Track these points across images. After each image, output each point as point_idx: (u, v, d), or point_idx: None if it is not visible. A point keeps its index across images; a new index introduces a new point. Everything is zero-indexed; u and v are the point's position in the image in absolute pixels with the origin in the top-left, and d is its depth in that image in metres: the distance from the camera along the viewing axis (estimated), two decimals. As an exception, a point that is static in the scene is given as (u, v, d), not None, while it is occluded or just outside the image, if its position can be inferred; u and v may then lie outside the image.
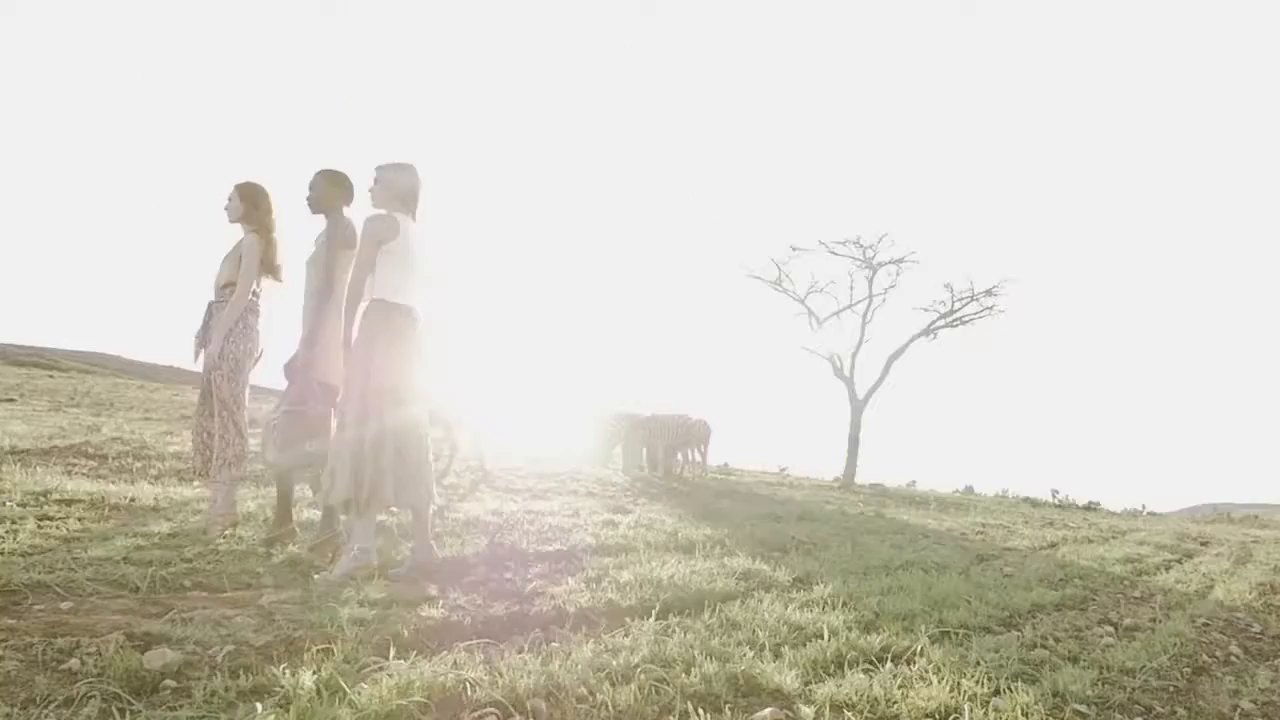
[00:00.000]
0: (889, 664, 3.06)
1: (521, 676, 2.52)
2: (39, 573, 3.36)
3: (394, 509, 4.19)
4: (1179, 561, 7.77)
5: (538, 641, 2.95)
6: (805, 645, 3.28)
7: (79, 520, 4.63)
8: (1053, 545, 8.17)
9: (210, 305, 4.85)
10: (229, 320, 4.66)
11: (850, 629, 3.58)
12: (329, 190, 4.58)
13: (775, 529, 7.04)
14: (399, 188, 4.25)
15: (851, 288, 18.79)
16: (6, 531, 4.12)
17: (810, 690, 2.73)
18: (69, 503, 5.26)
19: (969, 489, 25.71)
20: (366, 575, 3.84)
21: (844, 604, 4.07)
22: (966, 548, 7.10)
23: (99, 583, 3.37)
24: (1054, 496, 22.49)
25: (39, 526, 4.34)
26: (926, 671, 2.99)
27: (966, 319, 18.30)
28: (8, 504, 4.92)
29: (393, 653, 2.67)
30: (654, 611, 3.48)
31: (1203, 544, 10.08)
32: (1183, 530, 12.17)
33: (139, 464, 8.13)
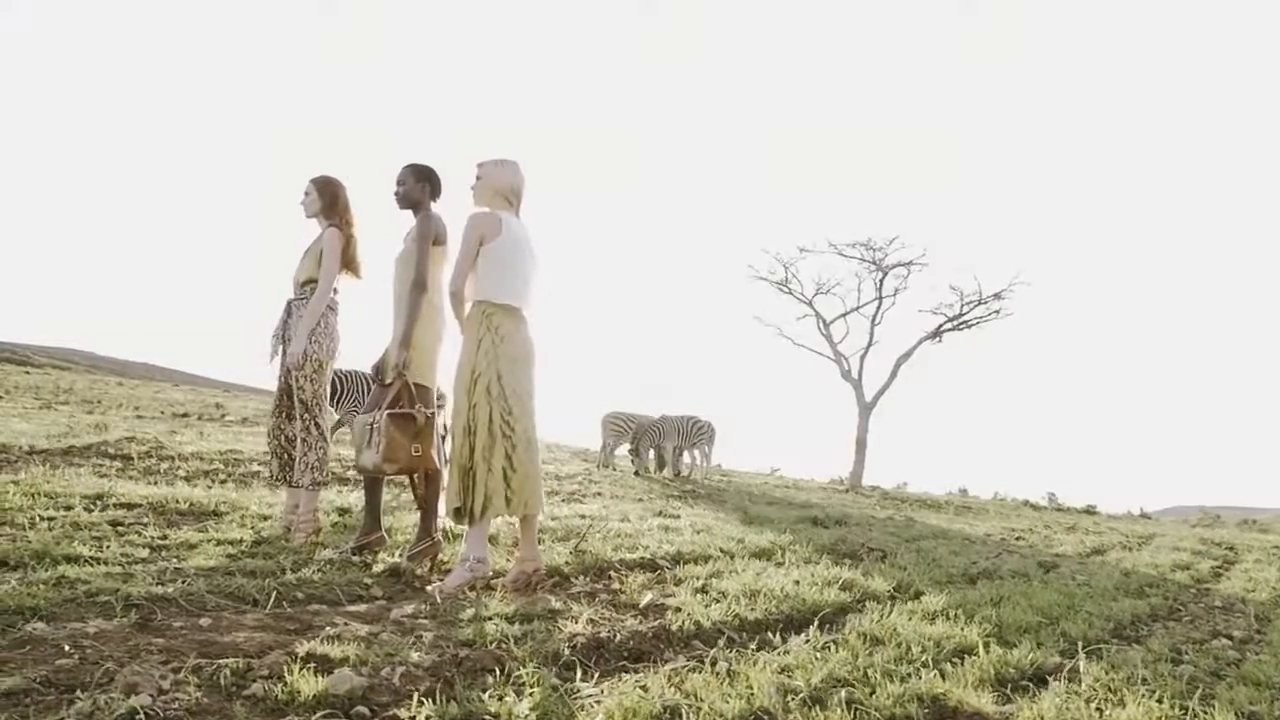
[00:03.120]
0: (1060, 682, 2.96)
1: (722, 700, 2.39)
2: (148, 584, 3.18)
3: (510, 518, 4.04)
4: (1225, 568, 7.77)
5: (713, 659, 2.82)
6: (958, 661, 3.18)
7: (155, 527, 4.43)
8: (1098, 552, 8.14)
9: (289, 303, 4.66)
10: (311, 319, 4.48)
11: (988, 643, 3.48)
12: (418, 184, 4.43)
13: (832, 534, 6.94)
14: (501, 184, 4.11)
15: (859, 290, 18.78)
16: (93, 538, 3.92)
17: (1009, 713, 2.62)
18: (129, 507, 5.05)
19: (963, 491, 25.82)
20: (483, 586, 3.69)
21: (963, 617, 3.97)
22: (1024, 555, 7.04)
23: (217, 595, 3.20)
24: (1051, 500, 22.64)
25: (118, 534, 4.14)
26: (1103, 690, 2.89)
27: (972, 322, 18.36)
28: (74, 508, 4.71)
29: (579, 674, 2.53)
30: (812, 626, 3.37)
31: (1229, 549, 10.12)
32: (1203, 535, 12.24)
33: (165, 465, 7.89)
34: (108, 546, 3.80)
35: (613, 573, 4.42)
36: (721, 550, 5.53)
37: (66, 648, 2.39)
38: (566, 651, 2.82)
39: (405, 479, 5.83)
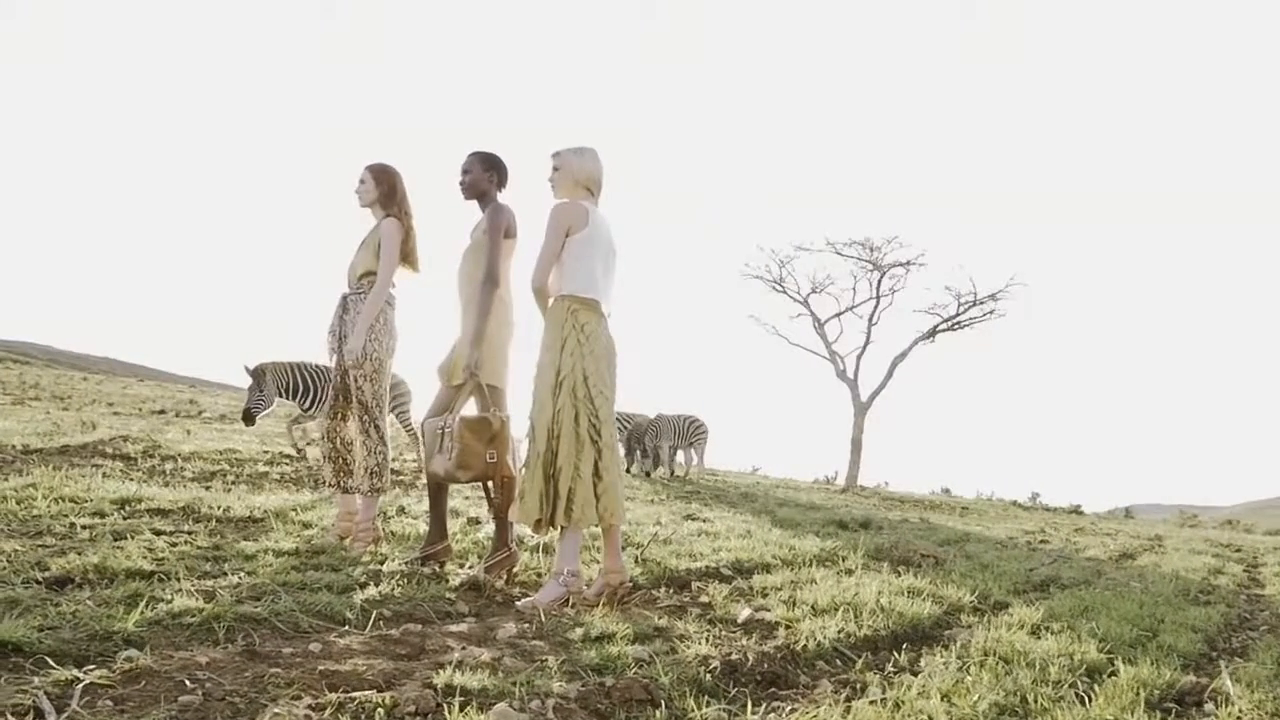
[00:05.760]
0: (1219, 705, 2.82)
1: (908, 735, 2.20)
2: (231, 603, 2.92)
3: (595, 526, 3.80)
4: (1253, 571, 7.75)
5: (862, 685, 2.63)
6: (1089, 680, 3.02)
7: (203, 536, 4.15)
8: (1127, 555, 8.08)
9: (344, 298, 4.40)
10: (370, 314, 4.22)
11: (1111, 660, 3.33)
12: (485, 174, 4.19)
13: (871, 538, 6.80)
14: (582, 174, 3.88)
15: (854, 289, 18.71)
16: (146, 550, 3.63)
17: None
18: (163, 513, 4.76)
19: (946, 491, 25.91)
20: (579, 602, 3.48)
21: (1066, 630, 3.82)
22: (1064, 559, 6.95)
23: (308, 615, 2.94)
24: (1035, 500, 22.81)
25: (171, 545, 3.85)
26: (1268, 715, 2.75)
27: (966, 323, 18.38)
28: (108, 515, 4.41)
29: (749, 707, 2.32)
30: (952, 648, 3.20)
31: (1237, 550, 10.17)
32: (1205, 536, 12.32)
33: (169, 465, 7.54)
34: (165, 559, 3.52)
35: (693, 584, 4.22)
36: (779, 558, 5.35)
37: (186, 682, 2.14)
38: (707, 678, 2.62)
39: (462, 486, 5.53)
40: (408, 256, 4.40)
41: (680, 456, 16.44)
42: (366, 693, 2.18)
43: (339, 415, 4.34)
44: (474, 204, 4.25)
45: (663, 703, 2.30)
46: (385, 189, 4.36)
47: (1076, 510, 19.90)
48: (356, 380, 4.21)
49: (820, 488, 19.04)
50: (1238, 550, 10.26)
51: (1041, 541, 8.75)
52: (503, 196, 4.26)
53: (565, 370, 3.66)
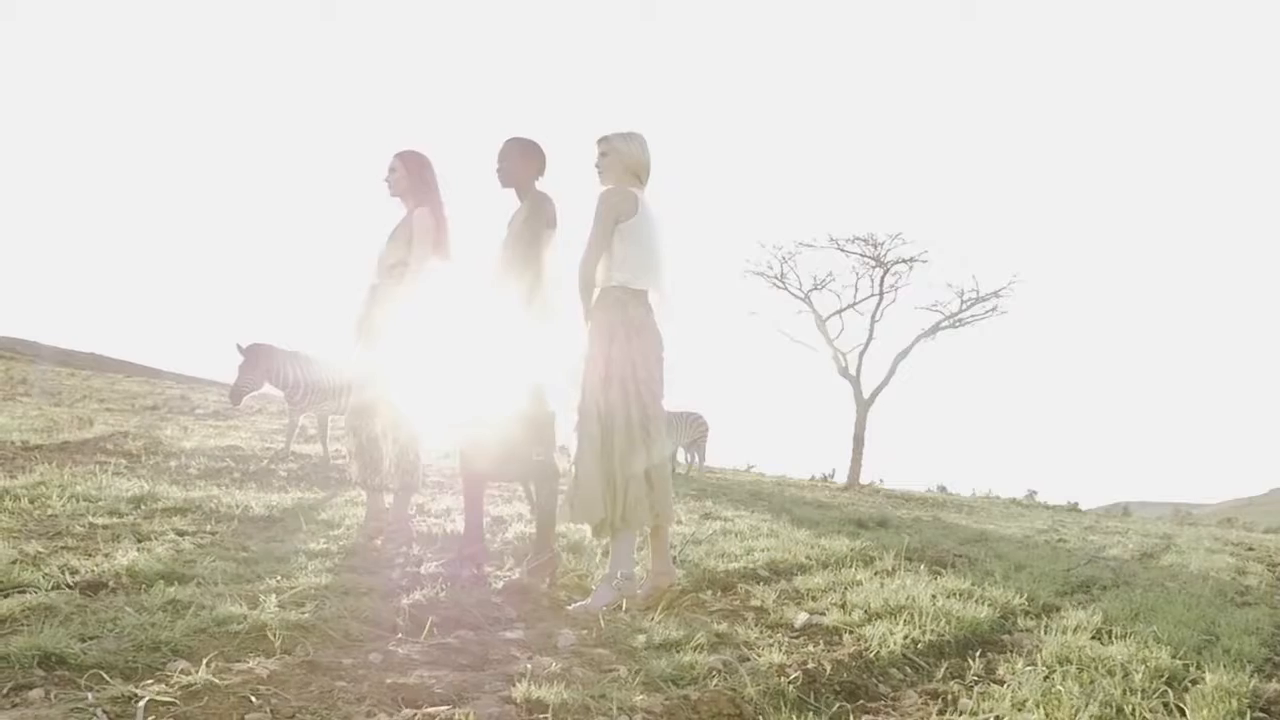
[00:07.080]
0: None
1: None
2: (275, 609, 2.75)
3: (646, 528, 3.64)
4: (1276, 570, 7.68)
5: (953, 697, 2.49)
6: (1176, 689, 2.90)
7: (233, 537, 3.98)
8: (1149, 555, 7.99)
9: (373, 289, 4.22)
10: (402, 305, 4.05)
11: (1186, 667, 3.21)
12: (523, 161, 4.02)
13: (903, 538, 6.67)
14: (631, 160, 3.72)
15: (856, 285, 18.60)
16: (174, 551, 3.46)
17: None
18: (181, 512, 4.58)
19: (942, 489, 25.84)
20: (632, 604, 3.33)
21: (1129, 635, 3.69)
22: (1094, 559, 6.85)
23: (358, 622, 2.78)
24: (1030, 497, 22.78)
25: (199, 546, 3.68)
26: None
27: (968, 320, 18.32)
28: (126, 515, 4.23)
29: (850, 722, 2.18)
30: (1027, 656, 3.06)
31: (1249, 549, 10.12)
32: (1217, 535, 12.28)
33: (173, 463, 7.34)
34: (195, 562, 3.35)
35: (738, 585, 4.08)
36: (814, 559, 5.21)
37: (251, 698, 1.98)
38: (790, 689, 2.47)
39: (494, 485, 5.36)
40: (440, 246, 4.23)
41: (680, 454, 16.30)
42: (443, 708, 2.03)
43: (364, 411, 4.17)
44: (497, 193, 4.10)
45: (758, 718, 2.15)
46: (416, 177, 4.20)
47: (1075, 508, 19.87)
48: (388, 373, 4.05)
49: (821, 485, 18.94)
50: (1250, 549, 10.20)
51: (1060, 540, 8.65)
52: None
53: (615, 363, 3.50)
